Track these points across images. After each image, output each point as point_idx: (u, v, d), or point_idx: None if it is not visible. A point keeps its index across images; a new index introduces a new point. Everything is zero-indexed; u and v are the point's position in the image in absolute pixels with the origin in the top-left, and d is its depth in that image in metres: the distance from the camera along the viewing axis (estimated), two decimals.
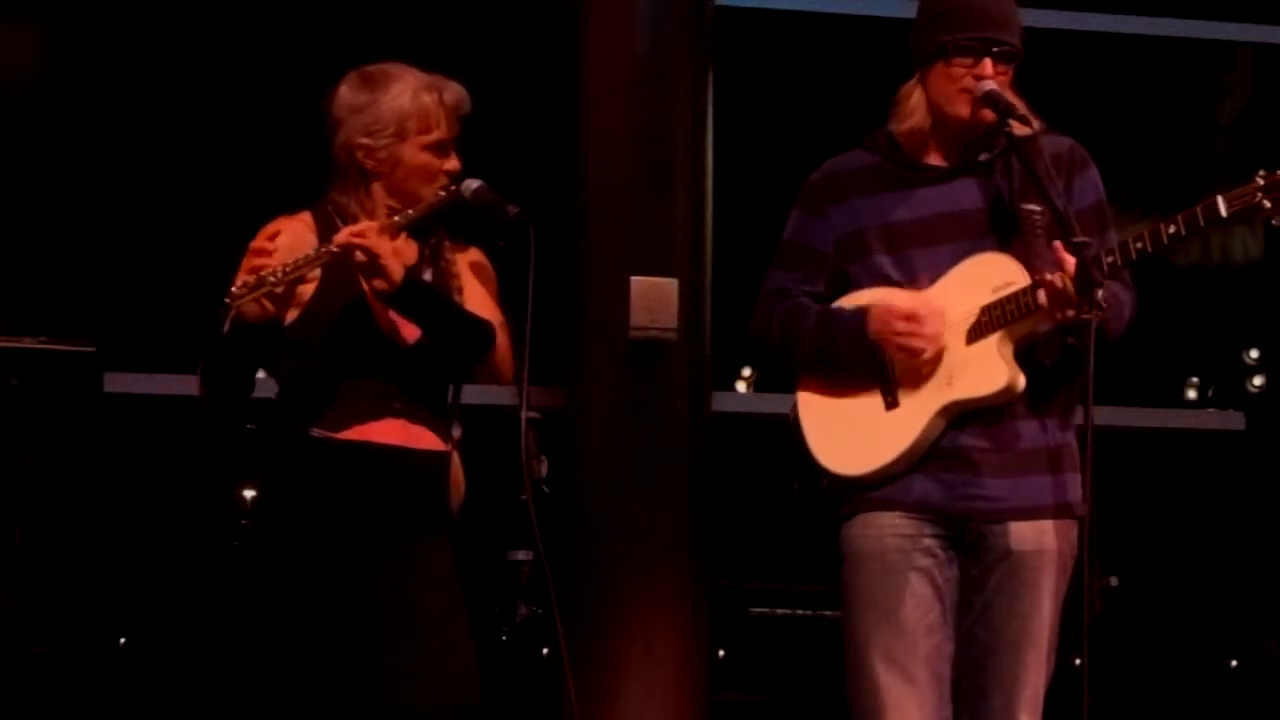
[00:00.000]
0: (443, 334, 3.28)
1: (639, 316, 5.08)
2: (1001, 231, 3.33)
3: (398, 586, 3.21)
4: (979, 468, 3.30)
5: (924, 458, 3.31)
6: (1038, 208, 3.28)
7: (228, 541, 5.93)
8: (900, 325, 3.29)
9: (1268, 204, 3.05)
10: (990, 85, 3.29)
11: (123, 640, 5.85)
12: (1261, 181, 3.06)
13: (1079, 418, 3.23)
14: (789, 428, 3.48)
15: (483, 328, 3.28)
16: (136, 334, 5.82)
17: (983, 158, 3.37)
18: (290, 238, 3.22)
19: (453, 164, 3.32)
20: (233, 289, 3.11)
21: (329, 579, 3.19)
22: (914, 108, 3.39)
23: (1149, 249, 3.14)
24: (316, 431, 3.22)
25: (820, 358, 3.40)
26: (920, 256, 3.35)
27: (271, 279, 3.10)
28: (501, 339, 3.32)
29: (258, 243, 3.17)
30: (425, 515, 3.28)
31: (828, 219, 3.45)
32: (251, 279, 3.11)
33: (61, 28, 5.85)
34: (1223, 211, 3.11)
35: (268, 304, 3.11)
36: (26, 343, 5.26)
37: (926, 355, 3.29)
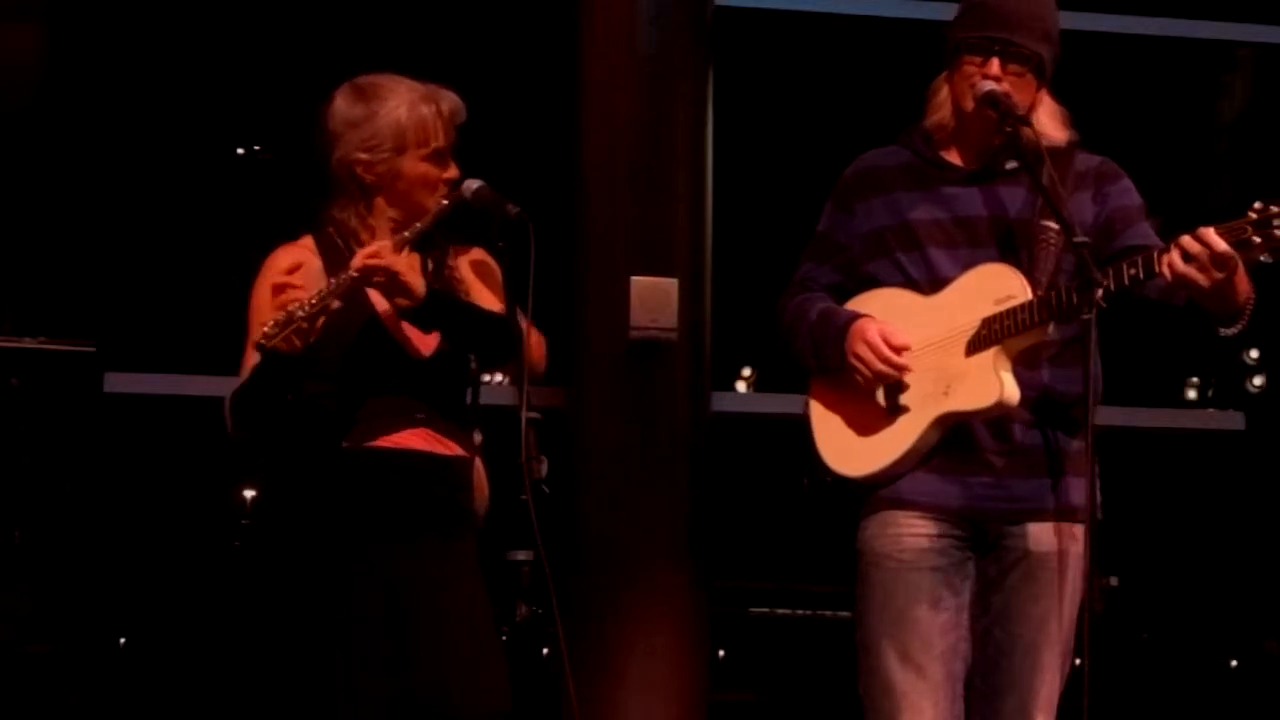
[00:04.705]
0: (470, 339, 3.28)
1: (639, 316, 5.08)
2: (1019, 243, 3.33)
3: (428, 592, 3.21)
4: (998, 470, 3.31)
5: (921, 462, 3.33)
6: (1055, 225, 3.27)
7: (228, 541, 5.93)
8: (862, 350, 3.32)
9: (1257, 239, 2.99)
10: (989, 86, 3.29)
11: (123, 640, 5.85)
12: (1254, 216, 3.00)
13: (1095, 419, 3.22)
14: (801, 424, 3.50)
15: (508, 326, 3.27)
16: (136, 334, 5.82)
17: (1010, 165, 3.37)
18: (300, 264, 3.22)
19: (452, 172, 3.32)
20: (264, 330, 3.11)
21: (358, 586, 3.18)
22: (941, 102, 3.42)
23: (1140, 275, 3.12)
24: (343, 444, 3.22)
25: (813, 353, 3.43)
26: (938, 257, 3.36)
27: (300, 313, 3.10)
28: (534, 333, 3.30)
29: (277, 279, 3.16)
30: (452, 520, 3.28)
31: (854, 215, 3.48)
32: (281, 316, 3.10)
33: (62, 28, 5.85)
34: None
35: (296, 340, 3.11)
36: (26, 343, 5.26)
37: (866, 382, 3.34)
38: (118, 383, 5.54)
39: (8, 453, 5.18)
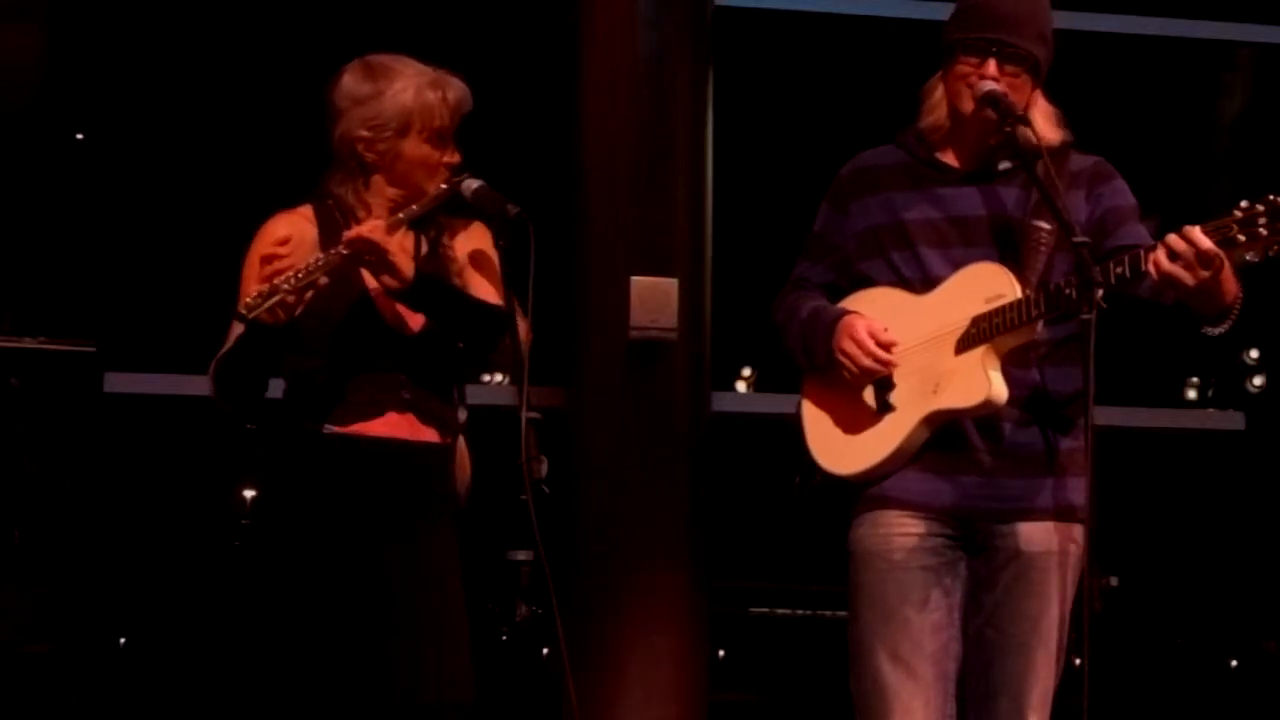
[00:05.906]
0: (456, 324, 3.28)
1: (639, 316, 5.08)
2: (1014, 242, 3.33)
3: (403, 580, 3.22)
4: (988, 469, 3.31)
5: (911, 460, 3.33)
6: (1047, 225, 3.27)
7: (228, 541, 5.93)
8: (849, 346, 3.33)
9: (1242, 237, 2.98)
10: (989, 86, 3.28)
11: (123, 640, 5.86)
12: (1239, 214, 2.99)
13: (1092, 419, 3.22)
14: (792, 423, 3.50)
15: (495, 313, 3.27)
16: (136, 334, 5.83)
17: (1004, 165, 3.37)
18: (294, 235, 3.22)
19: (453, 157, 3.33)
20: (247, 300, 3.11)
21: (336, 574, 3.19)
22: (936, 103, 3.41)
23: (1127, 274, 3.11)
24: (326, 427, 3.23)
25: (803, 351, 3.43)
26: (930, 256, 3.36)
27: (285, 286, 3.10)
28: (520, 320, 3.31)
29: (266, 249, 3.16)
30: (429, 508, 3.29)
31: (849, 215, 3.48)
32: (265, 287, 3.10)
33: (62, 27, 5.85)
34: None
35: (280, 312, 3.11)
36: (26, 343, 5.26)
37: (853, 378, 3.34)
38: (118, 383, 5.55)
39: (8, 453, 5.18)
